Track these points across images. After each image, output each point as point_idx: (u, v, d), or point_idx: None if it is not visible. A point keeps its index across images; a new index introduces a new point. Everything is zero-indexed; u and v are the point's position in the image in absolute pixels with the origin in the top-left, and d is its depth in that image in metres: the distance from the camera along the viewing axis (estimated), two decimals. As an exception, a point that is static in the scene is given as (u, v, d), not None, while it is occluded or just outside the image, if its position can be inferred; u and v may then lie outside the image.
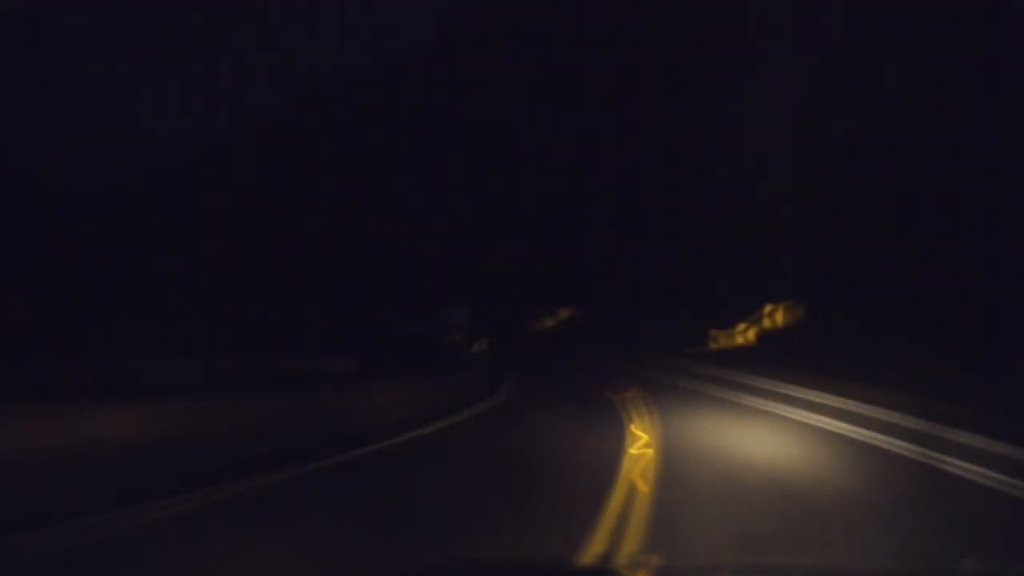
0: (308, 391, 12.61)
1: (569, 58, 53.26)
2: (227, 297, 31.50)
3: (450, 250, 48.15)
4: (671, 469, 8.32)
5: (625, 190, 48.36)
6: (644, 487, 7.26)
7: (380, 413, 13.11)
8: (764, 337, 34.03)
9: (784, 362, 24.06)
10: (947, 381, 16.05)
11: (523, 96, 52.88)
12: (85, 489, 6.34)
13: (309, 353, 25.88)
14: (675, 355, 34.05)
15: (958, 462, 9.05)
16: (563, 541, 5.40)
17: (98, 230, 32.94)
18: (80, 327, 23.24)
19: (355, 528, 5.96)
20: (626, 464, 8.61)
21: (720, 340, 38.22)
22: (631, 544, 5.24)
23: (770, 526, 5.90)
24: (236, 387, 14.54)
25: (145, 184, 42.95)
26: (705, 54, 40.77)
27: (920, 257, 22.40)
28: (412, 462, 9.58)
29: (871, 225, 25.23)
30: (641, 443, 10.36)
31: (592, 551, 5.10)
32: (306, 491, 7.58)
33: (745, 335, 36.48)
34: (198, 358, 19.70)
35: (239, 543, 5.48)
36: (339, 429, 11.18)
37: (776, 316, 33.90)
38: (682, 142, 41.65)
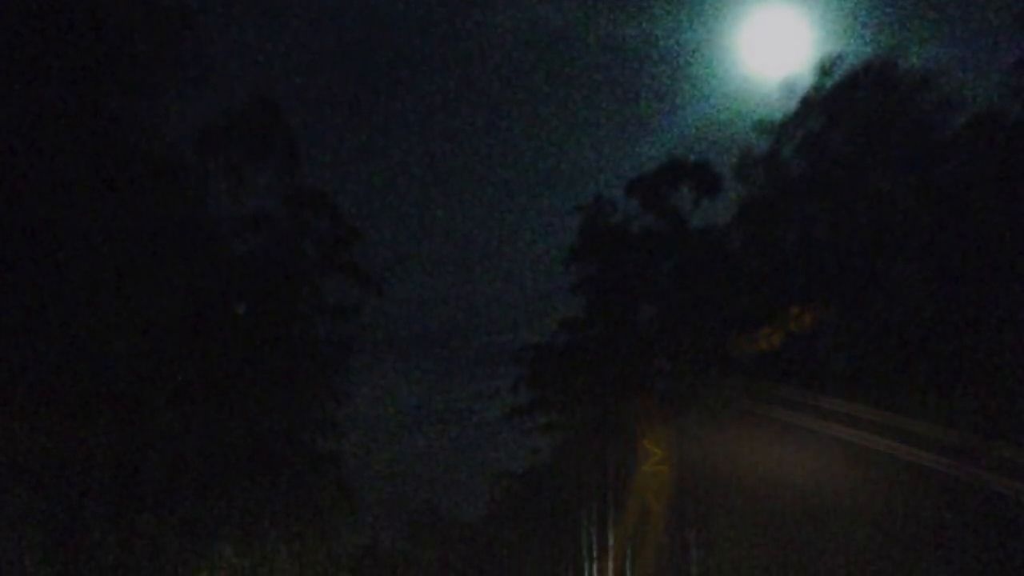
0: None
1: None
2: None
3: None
4: (688, 488, 8.24)
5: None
6: (658, 507, 7.17)
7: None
8: (790, 341, 33.82)
9: (812, 369, 23.90)
10: (982, 388, 15.92)
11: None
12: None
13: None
14: (692, 361, 33.91)
15: (1010, 482, 8.94)
16: (569, 565, 5.32)
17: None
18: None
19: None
20: (639, 482, 8.53)
21: (742, 345, 38.02)
22: (642, 570, 5.16)
23: (798, 554, 5.81)
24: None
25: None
26: None
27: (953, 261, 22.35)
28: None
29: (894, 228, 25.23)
30: (655, 460, 10.29)
31: (600, 579, 5.02)
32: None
33: (769, 340, 36.26)
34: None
35: None
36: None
37: (804, 319, 33.69)
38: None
